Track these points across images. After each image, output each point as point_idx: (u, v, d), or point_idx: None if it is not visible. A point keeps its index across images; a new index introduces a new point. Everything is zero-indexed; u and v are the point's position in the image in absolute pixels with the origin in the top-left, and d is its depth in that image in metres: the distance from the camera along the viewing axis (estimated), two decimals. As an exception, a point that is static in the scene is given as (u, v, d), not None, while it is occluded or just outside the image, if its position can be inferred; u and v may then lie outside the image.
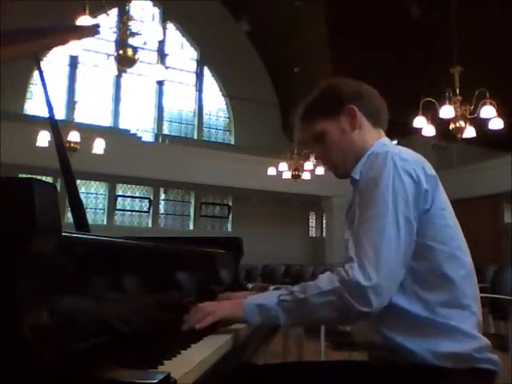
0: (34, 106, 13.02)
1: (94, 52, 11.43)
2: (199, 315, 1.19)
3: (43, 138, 7.64)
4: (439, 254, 1.16)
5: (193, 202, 14.85)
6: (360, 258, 1.09)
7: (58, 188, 0.86)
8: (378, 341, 1.19)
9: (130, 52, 5.25)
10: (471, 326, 1.16)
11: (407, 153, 1.21)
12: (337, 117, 1.32)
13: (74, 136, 7.86)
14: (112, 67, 5.53)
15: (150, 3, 14.41)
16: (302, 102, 1.41)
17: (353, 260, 1.10)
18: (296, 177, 10.49)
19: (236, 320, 1.22)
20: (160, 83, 14.45)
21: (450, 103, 6.72)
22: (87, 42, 5.63)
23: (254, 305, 1.19)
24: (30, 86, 12.98)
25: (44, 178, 0.95)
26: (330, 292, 1.10)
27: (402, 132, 11.29)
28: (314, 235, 16.40)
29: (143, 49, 7.39)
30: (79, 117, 11.46)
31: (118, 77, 13.38)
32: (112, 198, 13.70)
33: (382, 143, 1.32)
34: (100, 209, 13.66)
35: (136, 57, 5.34)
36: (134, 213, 14.14)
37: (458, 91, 6.83)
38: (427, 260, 1.15)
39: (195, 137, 15.72)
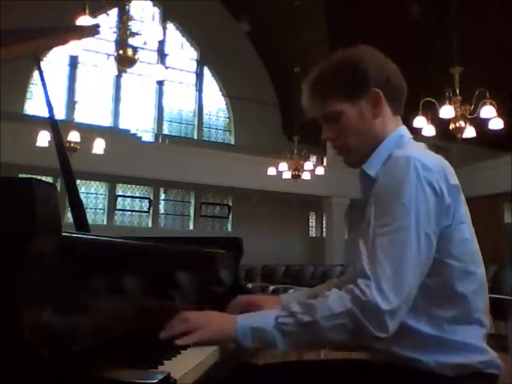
0: (34, 105, 13.02)
1: (94, 52, 11.39)
2: (182, 327, 1.05)
3: (43, 138, 7.64)
4: (453, 270, 1.09)
5: (193, 202, 14.85)
6: (377, 276, 0.99)
7: (58, 188, 0.86)
8: (380, 349, 1.16)
9: (129, 52, 5.25)
10: (478, 339, 1.12)
11: (430, 158, 1.10)
12: (357, 99, 1.17)
13: (73, 136, 7.86)
14: (112, 67, 5.53)
15: (150, 3, 14.41)
16: (317, 67, 1.22)
17: (369, 278, 0.99)
18: (296, 177, 10.49)
19: (225, 342, 1.07)
20: (160, 83, 14.46)
21: (449, 103, 6.72)
22: (87, 41, 5.62)
23: (247, 327, 1.05)
24: (30, 85, 12.98)
25: (44, 178, 0.95)
26: (341, 314, 0.99)
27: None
28: (313, 235, 16.40)
29: (143, 49, 7.38)
30: (79, 117, 11.46)
31: (118, 77, 13.37)
32: (112, 198, 13.69)
33: (400, 134, 1.21)
34: (100, 209, 13.66)
35: (136, 57, 5.34)
36: (133, 213, 14.14)
37: (457, 91, 6.83)
38: (440, 276, 1.08)
39: (195, 137, 15.72)
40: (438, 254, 1.07)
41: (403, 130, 1.24)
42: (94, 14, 5.55)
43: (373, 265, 1.00)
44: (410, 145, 1.20)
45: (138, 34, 5.34)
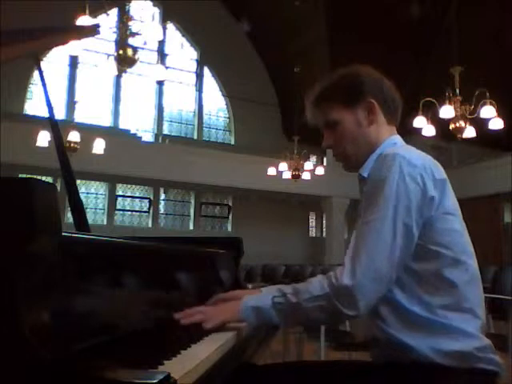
0: (34, 105, 13.02)
1: (94, 52, 11.42)
2: (199, 317, 1.19)
3: (43, 138, 7.65)
4: (443, 258, 1.14)
5: (193, 202, 14.86)
6: (352, 262, 1.11)
7: (58, 188, 0.86)
8: (379, 337, 1.19)
9: (130, 52, 5.25)
10: (472, 327, 1.15)
11: (416, 156, 1.18)
12: (354, 108, 1.29)
13: (73, 136, 7.87)
14: (112, 67, 5.52)
15: (150, 3, 14.40)
16: (318, 83, 1.35)
17: (345, 265, 1.12)
18: (296, 177, 10.49)
19: (235, 320, 1.23)
20: (160, 83, 14.46)
21: (449, 103, 6.73)
22: (87, 41, 5.62)
23: (249, 307, 1.20)
24: (30, 85, 12.98)
25: (44, 178, 0.95)
26: (319, 297, 1.13)
27: (402, 132, 11.28)
28: (313, 235, 16.41)
29: (143, 49, 7.36)
30: (79, 117, 11.48)
31: (118, 77, 13.37)
32: (112, 198, 13.70)
33: (393, 141, 1.30)
34: (100, 209, 13.66)
35: (136, 57, 5.34)
36: (133, 213, 14.14)
37: (458, 91, 6.83)
38: (430, 263, 1.14)
39: (195, 137, 15.72)
40: (424, 242, 1.14)
41: (397, 137, 1.33)
42: (93, 14, 5.55)
43: (352, 252, 1.13)
44: (399, 146, 1.28)
45: (138, 34, 5.34)
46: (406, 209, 1.11)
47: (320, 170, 10.93)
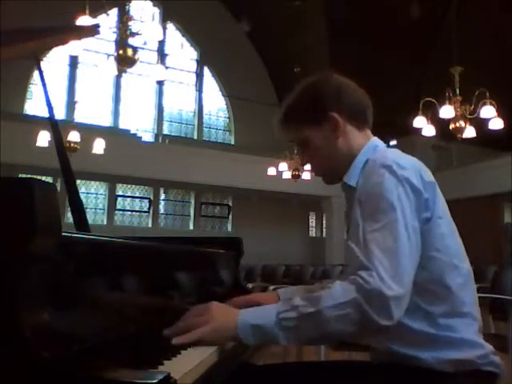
0: (34, 105, 13.03)
1: (94, 52, 11.44)
2: (182, 325, 1.05)
3: (43, 138, 7.64)
4: (439, 263, 1.14)
5: (193, 202, 14.85)
6: (376, 267, 1.01)
7: (58, 188, 0.86)
8: (380, 349, 1.19)
9: (130, 52, 5.25)
10: (474, 333, 1.15)
11: (404, 159, 1.17)
12: (319, 125, 1.27)
13: (73, 136, 7.87)
14: (112, 67, 5.52)
15: (150, 3, 14.40)
16: (282, 103, 1.35)
17: (370, 269, 1.01)
18: (296, 177, 10.49)
19: (227, 340, 1.06)
20: (160, 83, 14.46)
21: (449, 103, 6.73)
22: (87, 41, 5.62)
23: (248, 325, 1.04)
24: (30, 85, 12.98)
25: (44, 178, 0.95)
26: (346, 304, 1.00)
27: (402, 132, 11.31)
28: (313, 235, 16.40)
29: (143, 49, 7.37)
30: (79, 117, 11.47)
31: (118, 77, 13.38)
32: (112, 198, 13.70)
33: (374, 145, 1.28)
34: (100, 209, 13.66)
35: (136, 57, 5.33)
36: (133, 213, 14.14)
37: (457, 91, 6.83)
38: (427, 270, 1.13)
39: (195, 137, 15.72)
40: (422, 248, 1.11)
41: (376, 140, 1.31)
42: (94, 14, 5.55)
43: (370, 259, 1.03)
44: (384, 151, 1.27)
45: (138, 34, 5.34)
46: (410, 210, 1.09)
47: (320, 170, 10.90)
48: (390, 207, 1.08)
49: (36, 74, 10.32)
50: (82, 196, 11.64)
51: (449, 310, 1.13)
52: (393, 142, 13.66)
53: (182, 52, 15.69)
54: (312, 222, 16.50)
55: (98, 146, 8.41)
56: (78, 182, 11.10)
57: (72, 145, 7.73)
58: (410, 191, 1.10)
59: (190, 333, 1.02)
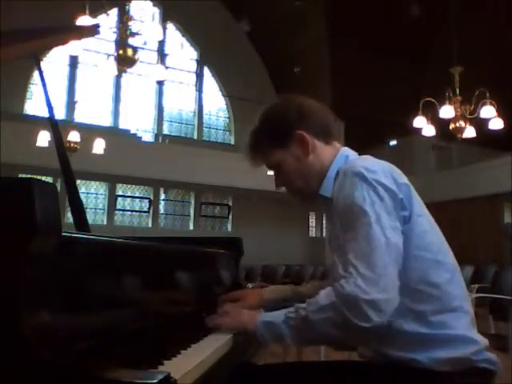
0: (34, 106, 13.01)
1: (94, 52, 11.42)
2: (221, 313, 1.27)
3: (43, 138, 7.64)
4: (424, 261, 1.15)
5: (193, 201, 14.84)
6: (351, 273, 1.05)
7: (58, 188, 0.86)
8: (375, 355, 1.20)
9: (130, 52, 5.25)
10: (466, 328, 1.16)
11: (374, 163, 1.18)
12: (287, 147, 1.29)
13: (73, 136, 7.86)
14: (112, 67, 5.52)
15: (150, 3, 14.39)
16: (248, 132, 1.37)
17: (345, 277, 1.06)
18: (296, 177, 10.48)
19: (247, 333, 1.21)
20: (160, 83, 14.45)
21: (449, 103, 6.73)
22: (87, 42, 5.62)
23: (262, 322, 1.17)
24: (30, 85, 12.97)
25: (44, 178, 0.95)
26: (326, 307, 1.07)
27: (402, 132, 11.31)
28: (313, 235, 16.39)
29: (143, 49, 7.37)
30: (79, 117, 11.46)
31: (118, 77, 13.37)
32: (112, 198, 13.69)
33: (344, 156, 1.30)
34: (100, 209, 13.65)
35: (136, 57, 5.33)
36: (133, 213, 14.13)
37: (457, 91, 6.83)
38: (413, 270, 1.14)
39: (195, 137, 15.71)
40: (406, 248, 1.12)
41: (346, 150, 1.33)
42: (94, 14, 5.54)
43: (346, 268, 1.07)
44: (354, 159, 1.28)
45: (138, 34, 5.34)
46: (386, 211, 1.10)
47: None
48: (362, 213, 1.09)
49: (36, 73, 10.32)
50: (82, 196, 11.65)
51: (439, 306, 1.14)
52: (393, 142, 13.67)
53: (182, 52, 15.68)
54: (312, 222, 16.49)
55: (98, 145, 8.40)
56: (78, 182, 11.10)
57: (72, 145, 7.72)
58: (384, 192, 1.12)
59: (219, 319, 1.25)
